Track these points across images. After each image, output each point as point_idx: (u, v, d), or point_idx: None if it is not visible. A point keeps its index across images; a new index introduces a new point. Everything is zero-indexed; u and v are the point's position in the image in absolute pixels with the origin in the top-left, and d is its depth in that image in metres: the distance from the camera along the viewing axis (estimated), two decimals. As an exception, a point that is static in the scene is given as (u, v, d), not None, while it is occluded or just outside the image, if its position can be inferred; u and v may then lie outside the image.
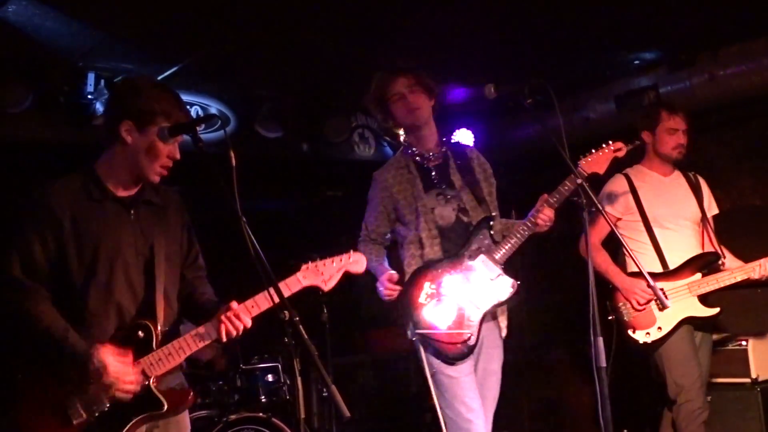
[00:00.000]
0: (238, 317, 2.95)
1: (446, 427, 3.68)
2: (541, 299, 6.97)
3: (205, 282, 3.25)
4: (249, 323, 2.98)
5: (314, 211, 7.65)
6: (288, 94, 5.97)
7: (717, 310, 4.45)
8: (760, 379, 4.95)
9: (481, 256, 3.75)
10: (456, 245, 3.80)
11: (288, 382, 5.41)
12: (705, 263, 4.50)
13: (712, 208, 4.76)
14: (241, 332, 2.97)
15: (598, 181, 4.15)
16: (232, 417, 5.09)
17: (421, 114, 3.92)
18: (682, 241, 4.58)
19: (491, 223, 3.85)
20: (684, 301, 4.42)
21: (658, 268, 4.51)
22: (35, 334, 2.83)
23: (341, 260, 3.22)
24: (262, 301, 2.99)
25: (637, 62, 5.72)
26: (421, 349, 3.73)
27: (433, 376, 3.73)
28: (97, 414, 2.83)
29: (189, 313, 3.19)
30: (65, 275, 2.89)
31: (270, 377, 5.44)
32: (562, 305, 6.61)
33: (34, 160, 5.46)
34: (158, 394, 2.90)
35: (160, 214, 3.09)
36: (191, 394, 3.03)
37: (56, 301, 2.89)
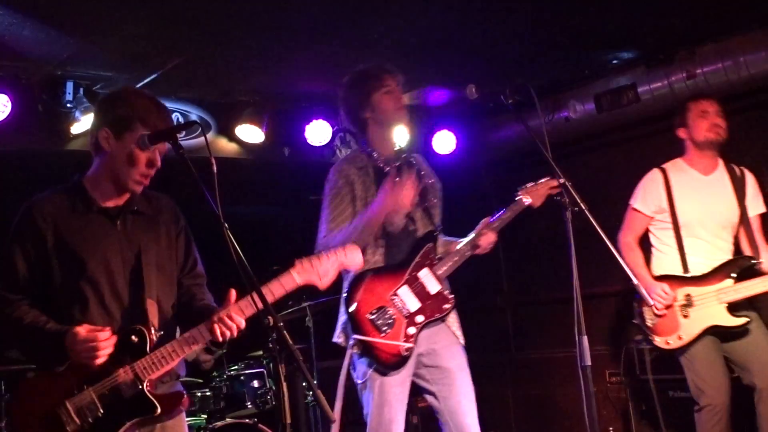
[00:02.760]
0: (231, 318, 2.89)
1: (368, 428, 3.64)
2: (527, 298, 7.01)
3: (204, 290, 3.21)
4: (243, 324, 2.92)
5: (296, 216, 7.61)
6: (268, 98, 5.96)
7: (745, 320, 4.24)
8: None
9: (425, 270, 3.71)
10: (399, 252, 3.72)
11: (274, 387, 5.40)
12: (737, 267, 4.30)
13: (756, 206, 4.50)
14: (235, 333, 2.92)
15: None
16: (218, 424, 5.07)
17: (405, 113, 3.84)
18: (712, 251, 4.39)
19: (436, 235, 3.80)
20: (709, 309, 4.25)
21: (680, 272, 4.37)
22: (19, 334, 2.87)
23: (336, 255, 3.10)
24: (255, 303, 2.90)
25: (615, 62, 5.76)
26: (355, 355, 3.66)
27: (364, 382, 3.68)
28: (90, 419, 2.81)
29: (188, 319, 3.07)
30: (50, 288, 2.90)
31: (256, 383, 5.42)
32: (548, 304, 6.64)
33: (13, 169, 5.41)
34: (151, 398, 2.87)
35: (150, 223, 3.07)
36: (185, 397, 2.98)
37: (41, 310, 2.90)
